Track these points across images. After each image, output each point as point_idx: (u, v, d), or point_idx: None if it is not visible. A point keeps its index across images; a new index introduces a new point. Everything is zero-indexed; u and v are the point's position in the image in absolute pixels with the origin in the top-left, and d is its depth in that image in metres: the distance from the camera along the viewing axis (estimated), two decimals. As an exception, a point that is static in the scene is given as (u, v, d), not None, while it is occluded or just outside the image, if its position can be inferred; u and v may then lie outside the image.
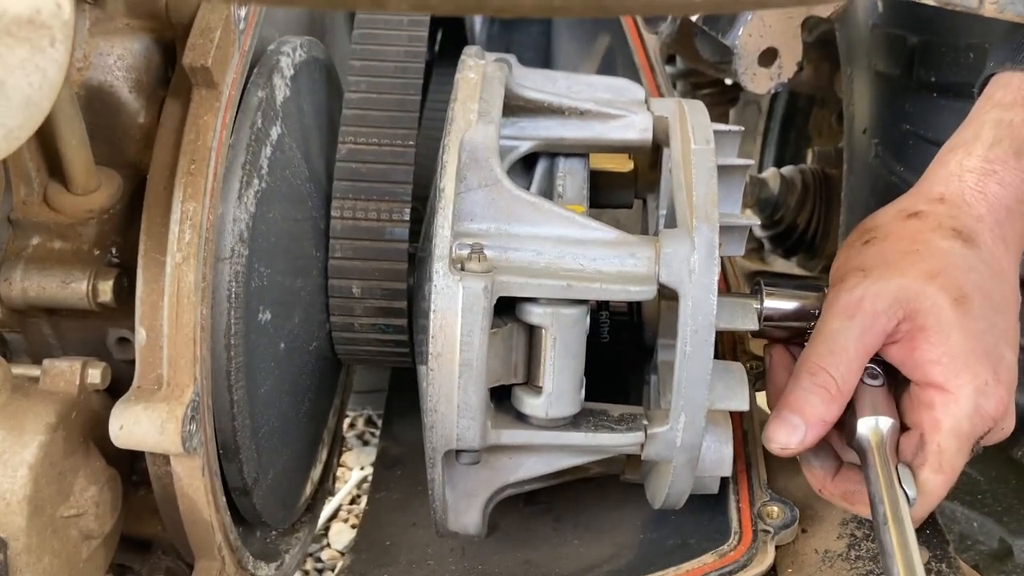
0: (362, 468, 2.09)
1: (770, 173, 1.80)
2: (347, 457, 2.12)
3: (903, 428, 0.86)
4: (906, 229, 0.88)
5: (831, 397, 0.83)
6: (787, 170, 1.79)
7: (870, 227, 0.91)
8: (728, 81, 1.87)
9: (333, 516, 1.98)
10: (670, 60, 1.74)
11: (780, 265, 1.88)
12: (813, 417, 0.84)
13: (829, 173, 1.77)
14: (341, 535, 1.92)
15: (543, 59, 1.60)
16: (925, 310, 0.82)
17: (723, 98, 1.94)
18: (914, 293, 0.83)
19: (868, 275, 0.85)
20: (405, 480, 1.23)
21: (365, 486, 2.03)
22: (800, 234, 1.78)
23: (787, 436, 0.84)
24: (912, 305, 0.83)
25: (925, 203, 0.90)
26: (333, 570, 1.84)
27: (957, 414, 0.81)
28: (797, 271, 1.83)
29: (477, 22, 1.47)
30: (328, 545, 1.92)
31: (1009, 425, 0.85)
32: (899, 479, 0.82)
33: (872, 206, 1.30)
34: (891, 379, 0.88)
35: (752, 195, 1.75)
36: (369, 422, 2.22)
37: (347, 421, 2.17)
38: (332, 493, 1.92)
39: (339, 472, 2.00)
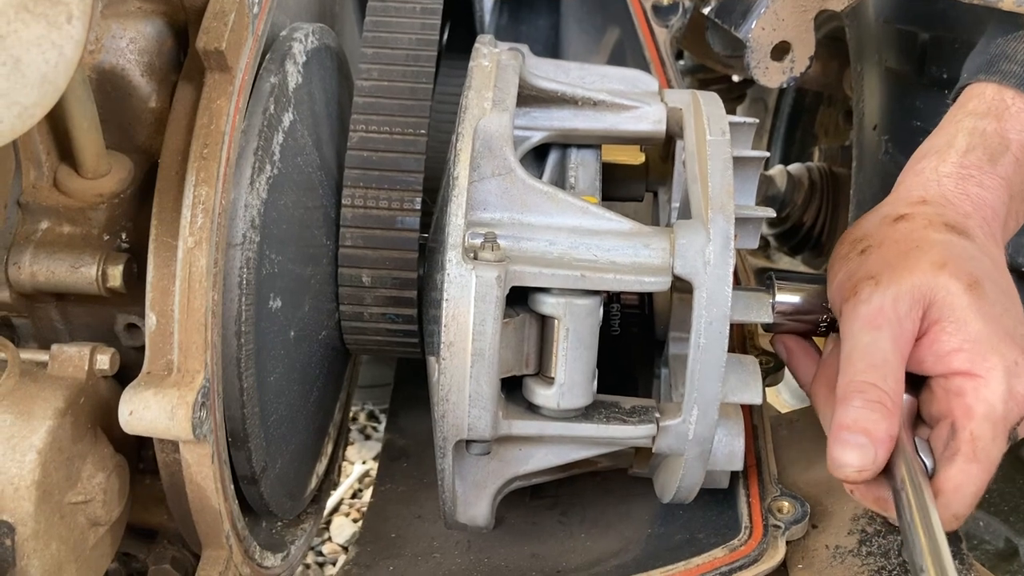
0: (364, 462, 2.08)
1: (777, 171, 1.79)
2: (349, 451, 2.12)
3: (925, 422, 0.84)
4: (898, 232, 0.86)
5: (888, 410, 0.78)
6: (794, 168, 1.78)
7: (860, 236, 0.89)
8: (736, 78, 1.87)
9: (335, 510, 1.97)
10: (678, 56, 1.74)
11: (786, 263, 1.88)
12: (879, 433, 0.78)
13: (836, 171, 1.76)
14: (343, 529, 1.92)
15: (551, 53, 1.59)
16: (940, 301, 0.80)
17: (730, 95, 1.94)
18: (927, 287, 0.81)
19: (879, 282, 0.82)
20: (410, 473, 1.23)
21: (367, 480, 2.03)
22: (806, 232, 1.78)
23: (859, 457, 0.78)
24: (928, 300, 0.81)
25: (907, 206, 0.88)
26: (334, 564, 1.83)
27: (990, 398, 0.78)
28: (803, 269, 1.82)
29: (487, 13, 1.47)
30: (329, 539, 1.91)
31: None
32: (916, 449, 0.81)
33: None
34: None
35: (759, 193, 1.74)
36: (371, 417, 2.21)
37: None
38: (335, 487, 1.92)
39: (341, 466, 2.00)
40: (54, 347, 0.78)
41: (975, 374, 0.79)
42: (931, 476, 0.80)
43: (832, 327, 0.93)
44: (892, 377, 0.80)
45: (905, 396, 0.83)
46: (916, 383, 0.85)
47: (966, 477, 0.78)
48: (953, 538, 0.89)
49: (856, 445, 0.78)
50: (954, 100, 0.96)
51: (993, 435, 0.78)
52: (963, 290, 0.80)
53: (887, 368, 0.80)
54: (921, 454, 0.80)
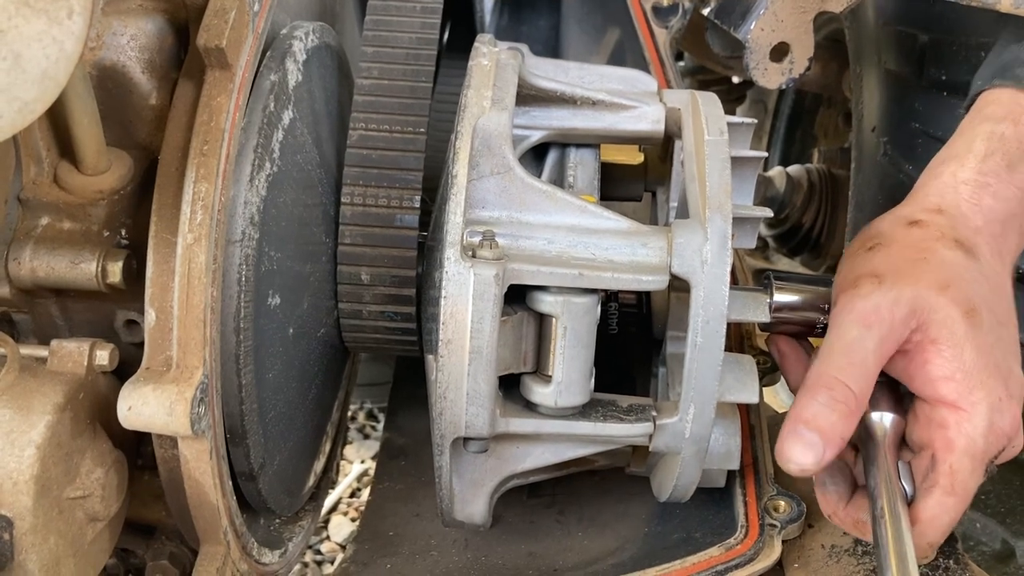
0: (362, 461, 2.08)
1: (776, 172, 1.80)
2: (347, 450, 2.12)
3: (909, 446, 0.85)
4: (910, 237, 0.86)
5: (850, 412, 0.79)
6: (793, 169, 1.78)
7: (872, 234, 0.89)
8: (735, 79, 1.87)
9: (333, 509, 1.97)
10: (678, 57, 1.74)
11: (784, 264, 1.88)
12: (832, 434, 0.78)
13: (835, 173, 1.77)
14: (341, 528, 1.92)
15: (552, 53, 1.60)
16: (938, 322, 0.80)
17: (730, 96, 1.94)
18: (928, 304, 0.80)
19: (883, 282, 0.82)
20: (408, 471, 1.23)
21: (365, 479, 2.03)
22: (805, 233, 1.78)
23: (804, 455, 0.78)
24: (925, 316, 0.80)
25: (923, 213, 0.88)
26: (332, 562, 1.83)
27: (971, 433, 0.78)
28: (802, 270, 1.83)
29: (487, 13, 1.47)
30: (328, 538, 1.92)
31: (1020, 441, 0.82)
32: (899, 474, 0.81)
33: (880, 204, 1.30)
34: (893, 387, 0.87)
35: (758, 193, 1.74)
36: (370, 416, 2.21)
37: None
38: (333, 486, 1.92)
39: (339, 465, 2.00)
40: (54, 342, 0.79)
41: (960, 407, 0.79)
42: (910, 503, 0.81)
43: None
44: (865, 380, 0.80)
45: (892, 416, 0.84)
46: (904, 403, 0.85)
47: (943, 509, 0.79)
48: (949, 539, 0.90)
49: (808, 443, 0.78)
50: (967, 108, 0.96)
51: (972, 468, 0.79)
52: (961, 317, 0.80)
53: (863, 369, 0.80)
54: (903, 480, 0.81)
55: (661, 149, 1.04)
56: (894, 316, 0.80)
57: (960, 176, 0.89)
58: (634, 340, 1.04)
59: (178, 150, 0.79)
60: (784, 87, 1.14)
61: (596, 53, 1.47)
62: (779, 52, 1.12)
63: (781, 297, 0.93)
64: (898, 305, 0.81)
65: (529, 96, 0.94)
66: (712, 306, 0.79)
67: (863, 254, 0.87)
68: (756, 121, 0.96)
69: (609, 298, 1.02)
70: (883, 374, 0.83)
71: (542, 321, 0.84)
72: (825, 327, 0.93)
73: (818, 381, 0.80)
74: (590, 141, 0.98)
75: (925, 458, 0.81)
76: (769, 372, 1.05)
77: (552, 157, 0.98)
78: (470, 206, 0.82)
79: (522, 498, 1.11)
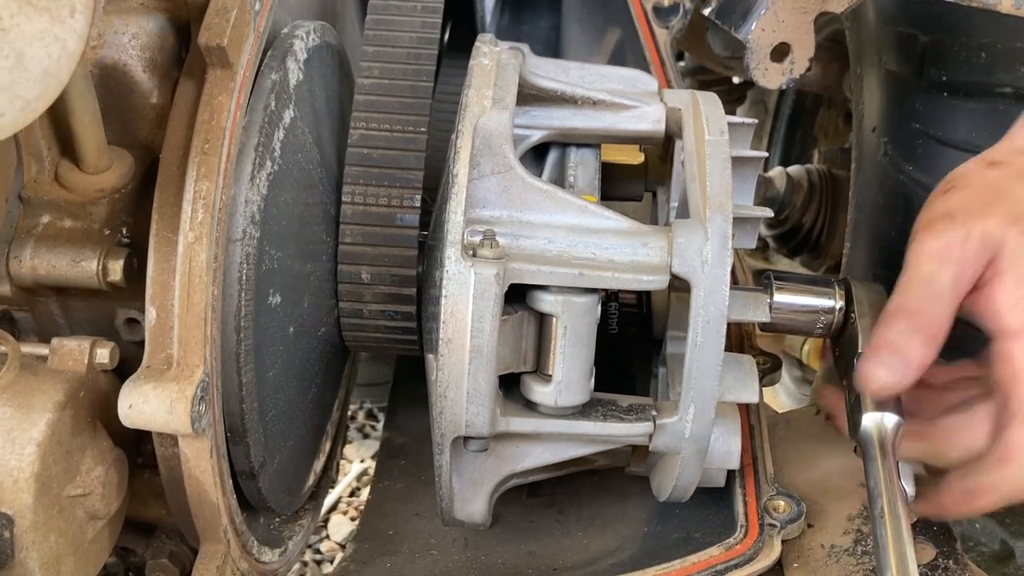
0: (362, 461, 2.08)
1: (776, 172, 1.79)
2: (347, 450, 2.12)
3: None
4: (987, 177, 0.87)
5: (929, 339, 0.81)
6: (793, 169, 1.78)
7: (951, 177, 0.89)
8: (736, 79, 1.87)
9: (333, 508, 1.97)
10: (678, 57, 1.74)
11: (784, 264, 1.88)
12: (914, 359, 0.81)
13: (835, 173, 1.77)
14: (340, 527, 1.92)
15: (552, 53, 1.60)
16: (1006, 254, 0.80)
17: (730, 96, 1.94)
18: (997, 237, 0.81)
19: (954, 221, 0.83)
20: (408, 470, 1.23)
21: (365, 479, 2.03)
22: (805, 234, 1.78)
23: (886, 374, 0.81)
24: (995, 249, 0.81)
25: (1006, 153, 0.88)
26: (332, 562, 1.83)
27: None
28: (802, 270, 1.83)
29: (488, 13, 1.47)
30: (327, 537, 1.92)
31: None
32: (899, 475, 0.81)
33: (880, 205, 1.30)
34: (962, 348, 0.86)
35: (758, 194, 1.74)
36: (370, 415, 2.21)
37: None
38: (333, 485, 1.92)
39: (339, 464, 2.01)
40: (54, 341, 0.79)
41: (1022, 335, 0.79)
42: (910, 503, 0.81)
43: (828, 330, 0.94)
44: (943, 309, 0.81)
45: (895, 418, 0.84)
46: (980, 351, 0.84)
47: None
48: (947, 538, 0.90)
49: (889, 365, 0.82)
50: None
51: None
52: None
53: (940, 301, 0.81)
54: (903, 480, 0.81)
55: (661, 149, 1.04)
56: (965, 252, 0.81)
57: None
58: (634, 340, 1.04)
59: (179, 149, 0.80)
60: (784, 87, 1.14)
61: (597, 53, 1.47)
62: (780, 52, 1.12)
63: (781, 297, 0.93)
64: (968, 241, 0.81)
65: (530, 96, 0.94)
66: (712, 306, 0.79)
67: (939, 197, 0.88)
68: (756, 121, 0.96)
69: (609, 298, 1.02)
70: None
71: (542, 320, 0.84)
72: (825, 327, 0.94)
73: (896, 311, 0.83)
74: (591, 141, 0.98)
75: (1000, 400, 0.81)
76: (769, 372, 1.05)
77: (553, 157, 0.98)
78: (471, 205, 0.83)
79: (522, 498, 1.11)
